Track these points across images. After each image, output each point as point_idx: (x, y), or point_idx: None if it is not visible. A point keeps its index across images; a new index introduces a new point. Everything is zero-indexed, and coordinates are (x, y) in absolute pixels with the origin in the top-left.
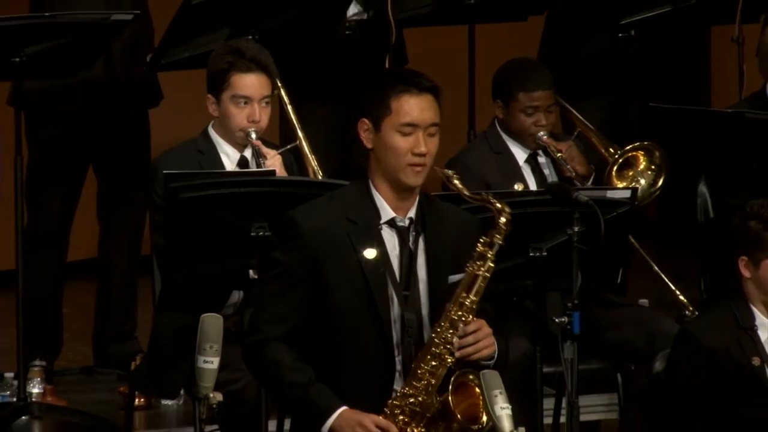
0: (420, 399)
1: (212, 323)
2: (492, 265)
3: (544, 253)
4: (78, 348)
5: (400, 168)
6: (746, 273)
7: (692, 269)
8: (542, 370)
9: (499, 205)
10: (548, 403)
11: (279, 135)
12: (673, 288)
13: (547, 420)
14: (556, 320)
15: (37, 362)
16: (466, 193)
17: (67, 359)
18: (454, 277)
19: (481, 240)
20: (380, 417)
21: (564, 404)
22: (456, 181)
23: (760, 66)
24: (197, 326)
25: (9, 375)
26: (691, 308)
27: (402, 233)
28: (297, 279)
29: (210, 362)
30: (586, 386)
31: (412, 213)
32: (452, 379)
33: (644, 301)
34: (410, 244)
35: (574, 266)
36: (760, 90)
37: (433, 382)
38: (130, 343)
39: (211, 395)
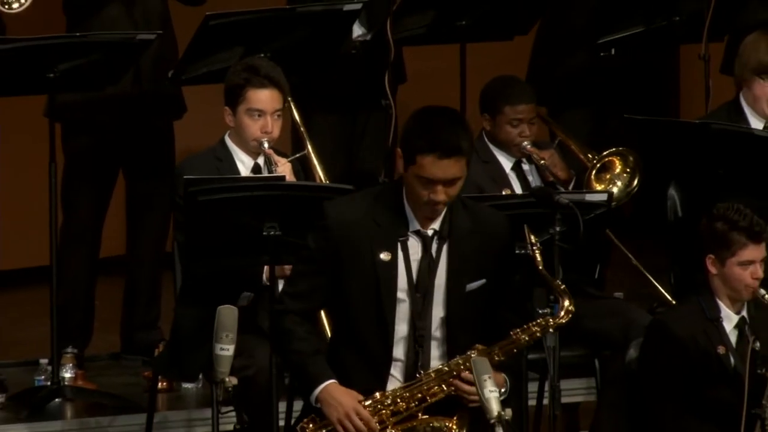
0: (410, 405)
1: (228, 314)
2: (530, 341)
3: (529, 251)
4: (107, 336)
5: (419, 206)
6: (713, 270)
7: (663, 264)
8: (527, 357)
9: (567, 303)
10: (532, 387)
11: (291, 144)
12: (653, 281)
13: (532, 402)
14: (540, 311)
15: (70, 349)
16: (543, 270)
17: (96, 346)
18: (471, 285)
19: (540, 321)
20: (364, 407)
21: (547, 388)
22: (537, 254)
23: (736, 74)
24: (214, 317)
25: (44, 361)
26: (669, 297)
27: (425, 241)
28: (319, 265)
29: (226, 349)
30: (566, 371)
31: (437, 225)
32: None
33: (619, 294)
34: (432, 251)
35: (556, 262)
36: (735, 99)
37: (428, 399)
38: (153, 332)
39: (227, 379)
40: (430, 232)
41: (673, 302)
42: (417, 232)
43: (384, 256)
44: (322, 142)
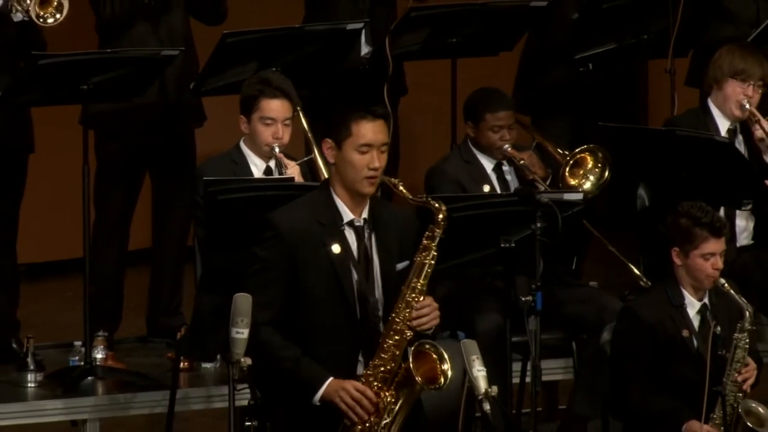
0: (388, 367)
1: (243, 301)
2: (435, 253)
3: (513, 245)
4: (134, 321)
5: (358, 180)
6: (678, 261)
7: (633, 255)
8: (511, 340)
9: (437, 205)
10: (516, 366)
11: (303, 149)
12: (630, 265)
13: (515, 380)
14: (523, 299)
15: (101, 333)
16: (410, 196)
17: (125, 330)
18: (400, 265)
19: (426, 234)
20: (358, 383)
21: (529, 367)
22: (401, 188)
23: (707, 79)
24: (231, 303)
25: (78, 343)
26: (644, 279)
27: (359, 232)
28: (277, 272)
29: (241, 333)
30: (546, 352)
31: (365, 214)
32: (411, 349)
33: (594, 283)
34: (365, 240)
35: (537, 255)
36: (703, 103)
37: (397, 353)
38: (176, 318)
39: (242, 360)
40: (361, 221)
41: (644, 280)
42: (350, 223)
43: (335, 248)
44: None
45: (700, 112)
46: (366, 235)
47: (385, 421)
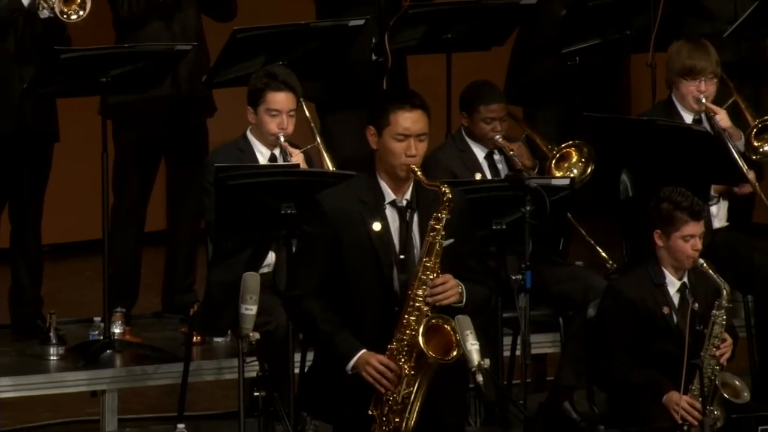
0: (408, 340)
1: (252, 279)
2: (443, 233)
3: (504, 227)
4: (150, 298)
5: (397, 165)
6: (660, 243)
7: (616, 238)
8: (502, 316)
9: (444, 189)
10: (507, 341)
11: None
12: (598, 248)
13: (506, 353)
14: (513, 277)
15: (119, 309)
16: (424, 180)
17: (141, 306)
18: (446, 242)
19: (434, 216)
20: (383, 356)
21: (519, 341)
22: (419, 173)
23: (666, 77)
24: (240, 282)
25: (97, 319)
26: (610, 262)
27: (401, 211)
28: (321, 247)
29: (250, 309)
30: (535, 327)
31: (408, 195)
32: (423, 323)
33: (580, 263)
34: (407, 219)
35: (526, 236)
36: (668, 97)
37: (416, 327)
38: (189, 295)
39: (251, 334)
40: (403, 203)
41: (610, 263)
42: (392, 203)
43: (376, 226)
44: (344, 136)
45: (667, 106)
46: (408, 215)
47: (407, 390)
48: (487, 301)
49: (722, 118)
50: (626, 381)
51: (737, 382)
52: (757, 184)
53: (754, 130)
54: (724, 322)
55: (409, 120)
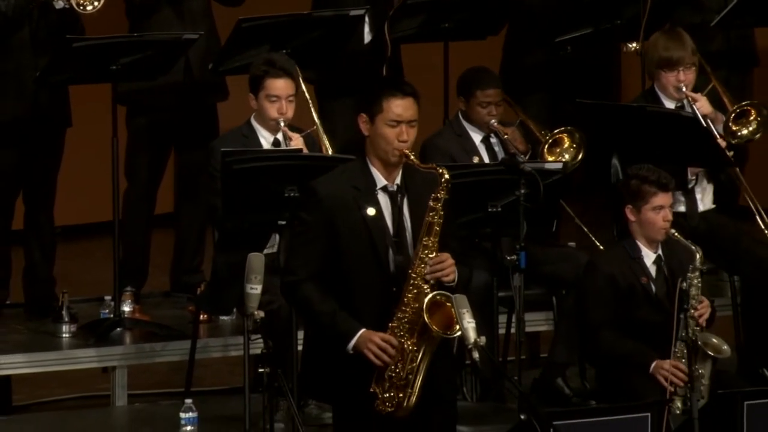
0: (409, 318)
1: (256, 260)
2: (442, 213)
3: (499, 209)
4: (159, 278)
5: (389, 151)
6: (632, 218)
7: (607, 220)
8: (498, 295)
9: (441, 171)
10: (502, 319)
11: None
12: (586, 229)
13: (501, 331)
14: (508, 258)
15: (129, 288)
16: (419, 163)
17: (150, 286)
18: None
19: (432, 196)
20: (384, 334)
21: (513, 320)
22: (412, 157)
23: (646, 69)
24: (245, 262)
25: (108, 298)
26: (598, 244)
27: (392, 196)
28: (318, 233)
29: (255, 289)
30: (529, 306)
31: (398, 180)
32: (426, 300)
33: (572, 244)
34: (398, 203)
35: (521, 218)
36: (651, 87)
37: (416, 305)
38: (197, 275)
39: (256, 313)
40: (394, 187)
41: (597, 243)
42: (384, 188)
43: (370, 211)
44: (341, 121)
45: (650, 95)
46: (399, 199)
47: (410, 366)
48: (469, 281)
49: (703, 105)
50: (613, 353)
51: (715, 340)
52: (737, 169)
53: (732, 114)
54: (700, 285)
55: (401, 107)
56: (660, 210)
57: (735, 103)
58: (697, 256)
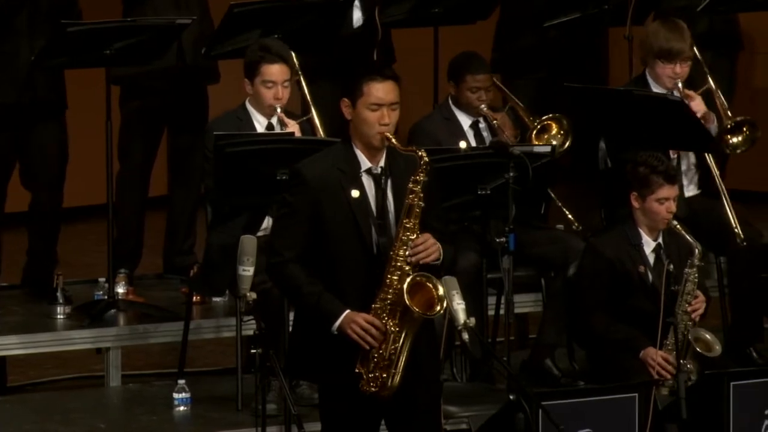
0: (392, 299)
1: (249, 242)
2: (422, 195)
3: (488, 192)
4: (152, 260)
5: (371, 135)
6: (636, 204)
7: (595, 202)
8: (487, 276)
9: (420, 153)
10: (491, 300)
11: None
12: (566, 210)
13: (491, 312)
14: (497, 240)
15: (123, 270)
16: (400, 146)
17: (144, 268)
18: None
19: (412, 179)
20: (368, 315)
21: (503, 301)
22: (393, 140)
23: (641, 56)
24: (238, 244)
25: (102, 279)
26: (576, 224)
27: (376, 179)
28: (302, 215)
29: (247, 270)
30: (518, 288)
31: (382, 163)
32: (407, 281)
33: (560, 226)
34: (382, 186)
35: (510, 201)
36: (642, 74)
37: (399, 287)
38: (190, 257)
39: (248, 294)
40: (378, 170)
41: (576, 224)
42: (368, 171)
43: (354, 193)
44: (330, 105)
45: (640, 82)
46: (382, 181)
47: (393, 346)
48: (454, 260)
49: (697, 104)
50: (606, 337)
51: (709, 337)
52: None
53: (727, 126)
54: (696, 280)
55: (381, 90)
56: (665, 201)
57: (724, 108)
58: (696, 251)
